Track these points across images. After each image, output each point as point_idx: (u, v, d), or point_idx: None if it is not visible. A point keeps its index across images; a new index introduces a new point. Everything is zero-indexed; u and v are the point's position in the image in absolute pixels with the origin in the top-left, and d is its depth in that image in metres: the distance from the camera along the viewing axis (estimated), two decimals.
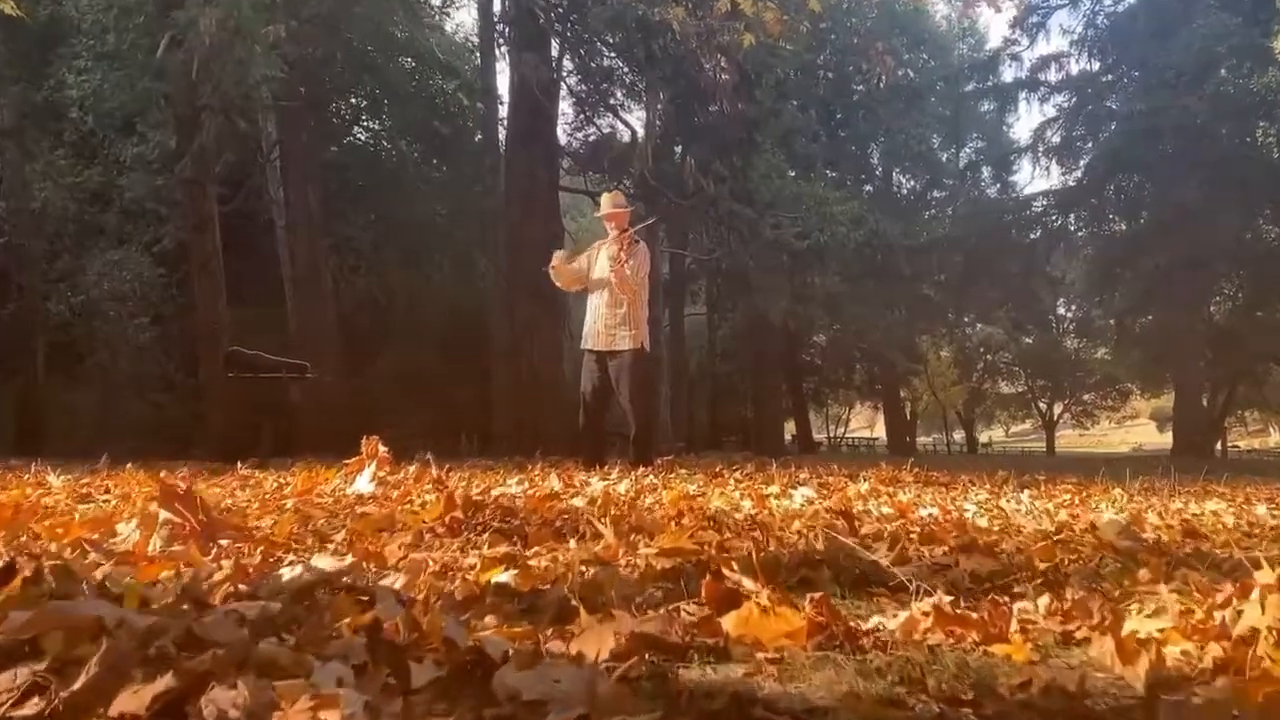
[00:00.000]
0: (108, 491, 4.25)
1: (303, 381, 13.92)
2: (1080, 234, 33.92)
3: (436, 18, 25.57)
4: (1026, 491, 5.71)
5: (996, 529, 3.24)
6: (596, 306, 7.78)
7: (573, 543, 2.21)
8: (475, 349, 20.90)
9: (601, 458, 7.38)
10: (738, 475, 6.20)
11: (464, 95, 23.59)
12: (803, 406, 37.43)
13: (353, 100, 24.81)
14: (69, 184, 19.62)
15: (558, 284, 8.03)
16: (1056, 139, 32.73)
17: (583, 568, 1.89)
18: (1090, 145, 31.88)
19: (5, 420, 18.73)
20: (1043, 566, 2.16)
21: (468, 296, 23.34)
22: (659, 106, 20.61)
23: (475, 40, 23.79)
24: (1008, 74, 33.99)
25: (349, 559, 1.80)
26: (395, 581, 1.67)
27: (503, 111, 19.97)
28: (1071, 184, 32.79)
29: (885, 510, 3.93)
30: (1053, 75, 32.47)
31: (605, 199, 8.10)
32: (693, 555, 2.04)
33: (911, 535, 2.84)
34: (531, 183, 17.55)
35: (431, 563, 1.95)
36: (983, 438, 57.97)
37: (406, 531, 2.42)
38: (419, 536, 2.39)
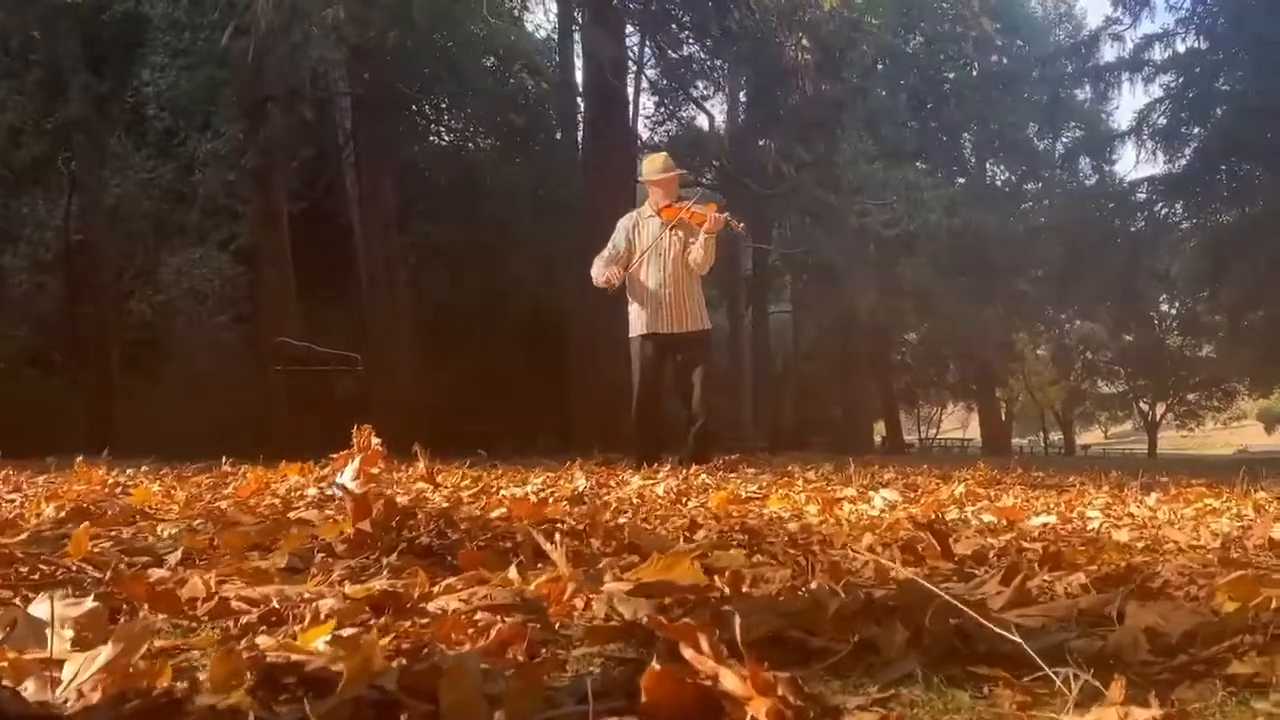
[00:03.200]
0: None
1: (354, 374, 13.46)
2: (1186, 224, 32.22)
3: (516, 12, 25.33)
4: (1153, 495, 4.81)
5: (1141, 545, 2.43)
6: (657, 284, 6.92)
7: (513, 570, 1.46)
8: (554, 347, 20.49)
9: (659, 454, 6.60)
10: (811, 475, 5.39)
11: (543, 90, 23.29)
12: (893, 406, 36.32)
13: (433, 98, 24.52)
14: (144, 181, 19.52)
15: (598, 282, 7.17)
16: (1162, 122, 31.07)
17: (487, 620, 1.15)
18: (1198, 129, 30.19)
19: (79, 418, 18.58)
20: (1248, 616, 1.35)
21: (546, 294, 22.90)
22: (740, 93, 19.90)
23: (554, 33, 23.49)
24: (1108, 54, 32.47)
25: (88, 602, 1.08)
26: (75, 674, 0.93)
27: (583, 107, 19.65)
28: (1177, 170, 31.10)
29: (987, 518, 3.13)
30: (1158, 55, 30.83)
31: (652, 162, 7.30)
32: (687, 595, 1.29)
33: (1029, 555, 2.05)
34: (607, 176, 16.94)
35: (247, 605, 1.24)
36: (1080, 439, 56.11)
37: (285, 551, 1.70)
38: (307, 556, 1.68)
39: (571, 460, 6.08)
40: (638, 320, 7.04)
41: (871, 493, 3.99)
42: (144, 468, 4.83)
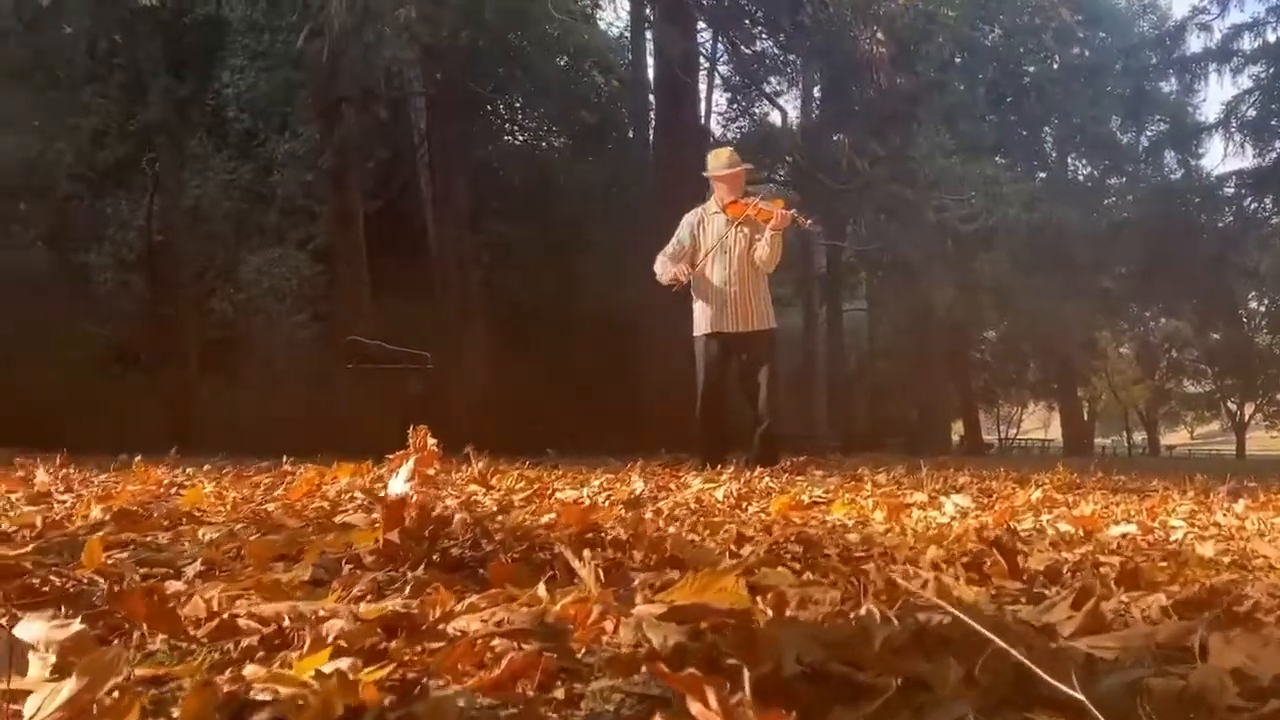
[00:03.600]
0: None
1: (424, 372, 13.51)
2: (1277, 219, 31.31)
3: (588, 10, 25.36)
4: (1241, 502, 4.59)
5: (1228, 561, 2.27)
6: (722, 282, 6.77)
7: (542, 588, 1.37)
8: (626, 346, 20.44)
9: (723, 456, 6.46)
10: (881, 479, 5.23)
11: (615, 88, 23.28)
12: (971, 406, 35.69)
13: (506, 98, 24.62)
14: (224, 181, 19.83)
15: (662, 280, 7.05)
16: (1251, 114, 30.22)
17: (505, 646, 1.06)
18: None
19: (160, 416, 18.89)
20: None
21: (618, 292, 22.84)
22: (814, 89, 19.66)
23: (626, 31, 23.44)
24: (1195, 45, 31.65)
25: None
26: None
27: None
28: (1267, 164, 30.22)
29: (1064, 528, 2.98)
30: (1247, 45, 30.01)
31: (717, 156, 7.16)
32: (725, 619, 1.19)
33: (1105, 572, 1.91)
34: (678, 174, 16.81)
35: (256, 624, 1.16)
36: (1165, 440, 54.79)
37: (309, 562, 1.62)
38: (334, 568, 1.60)
39: (635, 461, 5.99)
40: (702, 319, 6.92)
41: (943, 498, 3.84)
42: (205, 467, 4.80)
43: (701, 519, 2.48)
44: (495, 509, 2.54)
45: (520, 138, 25.55)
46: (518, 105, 24.98)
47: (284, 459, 4.90)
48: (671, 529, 2.17)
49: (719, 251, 6.76)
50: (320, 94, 14.97)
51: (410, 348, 14.83)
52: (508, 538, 1.86)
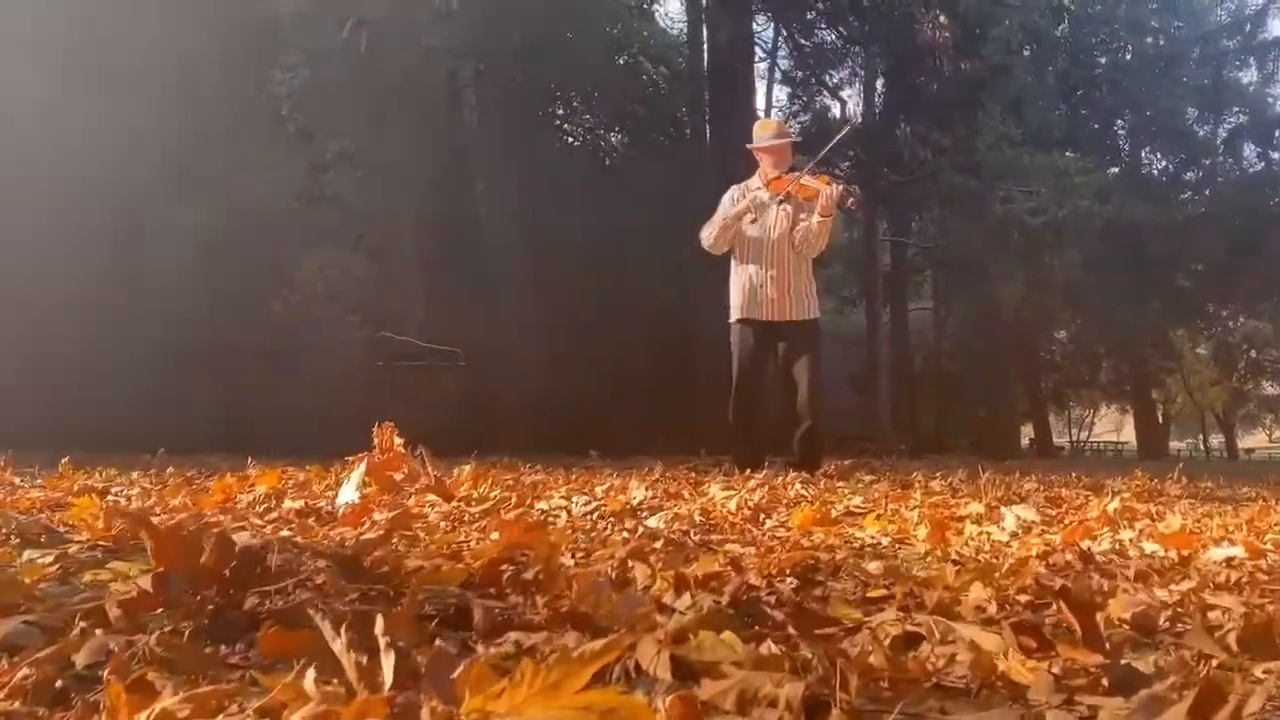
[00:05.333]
0: None
1: (454, 369, 13.18)
2: None
3: (645, 5, 25.08)
4: None
5: None
6: (758, 264, 6.19)
7: (310, 678, 0.85)
8: (681, 345, 20.08)
9: (760, 457, 5.90)
10: (935, 485, 4.65)
11: (672, 84, 22.99)
12: (1041, 408, 34.72)
13: (561, 93, 24.32)
14: (278, 180, 19.68)
15: (710, 245, 6.50)
16: None
17: None
18: None
19: (215, 417, 18.78)
20: None
21: (674, 290, 22.50)
22: (876, 81, 19.04)
23: (685, 28, 23.10)
24: (1276, 29, 30.50)
25: None
26: None
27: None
28: None
29: (1150, 547, 2.41)
30: None
31: (763, 127, 6.62)
32: None
33: (1221, 624, 1.36)
34: (733, 166, 16.34)
35: None
36: (1243, 443, 53.21)
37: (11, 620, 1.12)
38: (54, 627, 1.10)
39: (656, 464, 5.47)
40: (736, 303, 6.33)
41: (1003, 509, 3.27)
42: (168, 470, 4.37)
43: (661, 548, 1.94)
44: (420, 526, 2.04)
45: (575, 134, 25.28)
46: (574, 102, 24.70)
47: (246, 461, 4.43)
48: (611, 563, 1.65)
49: (756, 229, 6.18)
50: (369, 90, 14.69)
51: (461, 347, 14.57)
52: (360, 581, 1.35)
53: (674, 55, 23.83)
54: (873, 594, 1.57)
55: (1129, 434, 46.10)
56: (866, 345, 24.31)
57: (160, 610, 1.20)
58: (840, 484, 4.51)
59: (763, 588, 1.51)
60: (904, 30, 14.84)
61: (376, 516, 2.07)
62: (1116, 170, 30.87)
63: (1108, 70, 28.79)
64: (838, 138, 6.23)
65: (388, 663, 0.85)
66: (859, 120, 21.49)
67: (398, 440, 3.00)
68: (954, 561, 1.98)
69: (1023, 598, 1.53)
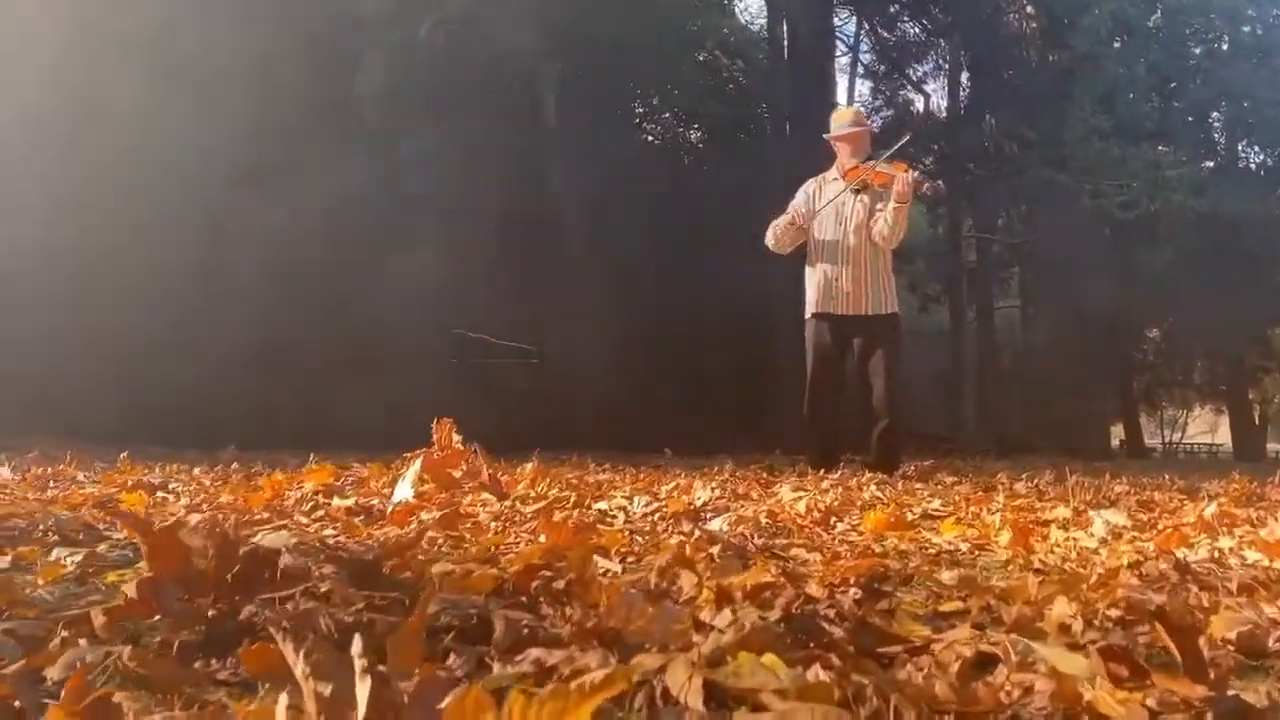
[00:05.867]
0: None
1: (529, 367, 13.17)
2: None
3: (727, 2, 24.95)
4: None
5: None
6: (834, 257, 5.98)
7: (283, 704, 0.74)
8: (764, 344, 19.91)
9: (836, 456, 5.71)
10: (1021, 487, 4.46)
11: (752, 80, 22.82)
12: (1132, 408, 33.88)
13: (640, 91, 24.26)
14: (359, 180, 19.85)
15: (774, 246, 6.38)
16: None
17: None
18: None
19: (296, 415, 18.99)
20: None
21: (754, 288, 22.31)
22: (960, 75, 18.67)
23: (764, 24, 22.97)
24: None
25: None
26: None
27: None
28: None
29: (1252, 556, 2.24)
30: None
31: (840, 116, 6.45)
32: None
33: None
34: (812, 164, 16.12)
35: None
36: None
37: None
38: (29, 636, 1.01)
39: (726, 463, 5.33)
40: (812, 298, 6.14)
41: (1092, 513, 3.09)
42: (234, 465, 4.34)
43: (719, 553, 1.81)
44: (467, 527, 1.93)
45: (655, 131, 25.22)
46: (653, 99, 24.61)
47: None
48: (653, 571, 1.52)
49: (832, 221, 6.00)
50: (446, 88, 14.74)
51: (539, 346, 14.59)
52: (376, 587, 1.25)
53: (754, 51, 23.60)
54: (945, 608, 1.43)
55: (1224, 435, 44.87)
56: (950, 343, 23.91)
57: (154, 619, 1.11)
58: (919, 486, 4.34)
59: (822, 599, 1.37)
60: (989, 21, 14.48)
61: (424, 516, 1.98)
62: (1212, 165, 29.92)
63: (1202, 60, 27.91)
64: (917, 128, 6.06)
65: (362, 690, 0.74)
66: (943, 114, 21.15)
67: (456, 437, 2.90)
68: (1037, 571, 1.83)
69: (1113, 613, 1.38)
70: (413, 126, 19.17)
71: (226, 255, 19.65)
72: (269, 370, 19.10)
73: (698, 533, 1.91)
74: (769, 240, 6.36)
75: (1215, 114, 30.89)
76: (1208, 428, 57.92)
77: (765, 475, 4.78)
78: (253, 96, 18.52)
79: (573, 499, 2.73)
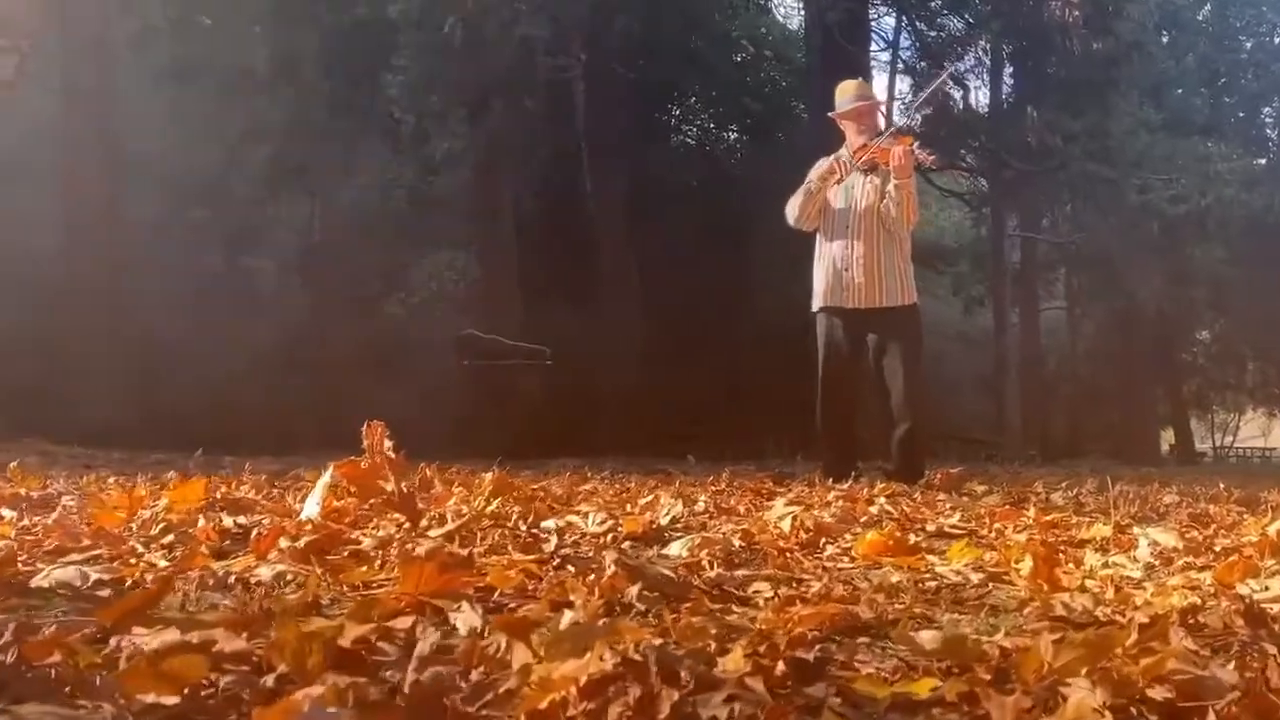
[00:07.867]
0: None
1: (539, 369, 12.90)
2: None
3: (763, 1, 24.69)
4: None
5: None
6: (843, 244, 5.51)
7: None
8: (797, 348, 19.51)
9: (853, 463, 5.25)
10: (1057, 498, 4.00)
11: (790, 80, 22.61)
12: (1182, 412, 33.09)
13: (675, 91, 24.01)
14: (387, 182, 19.73)
15: (794, 221, 5.89)
16: None
17: None
18: None
19: (320, 418, 18.84)
20: None
21: (788, 292, 21.92)
22: (1004, 70, 18.20)
23: (801, 22, 22.68)
24: None
25: None
26: None
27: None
28: None
29: None
30: None
31: (843, 91, 5.99)
32: None
33: None
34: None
35: None
36: None
37: None
38: None
39: (723, 471, 4.91)
40: (819, 290, 5.68)
41: (1136, 530, 2.64)
42: (170, 474, 3.99)
43: (638, 594, 1.38)
44: (342, 558, 1.53)
45: (689, 132, 25.03)
46: (690, 99, 24.37)
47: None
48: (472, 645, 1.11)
49: (840, 203, 5.53)
50: (470, 87, 14.48)
51: (570, 348, 14.36)
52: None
53: (793, 51, 23.35)
54: (915, 689, 1.01)
55: (1276, 439, 43.95)
56: (994, 346, 23.38)
57: None
58: (941, 497, 3.90)
59: (727, 683, 0.96)
60: (1031, 10, 13.98)
61: (283, 544, 1.59)
62: (1264, 161, 29.16)
63: (1253, 54, 27.33)
64: (936, 84, 5.59)
65: None
66: (984, 108, 20.64)
67: (388, 443, 2.50)
68: (1057, 619, 1.41)
69: (1158, 696, 0.96)
70: (443, 128, 18.98)
71: (255, 257, 19.58)
72: (297, 371, 18.97)
73: (612, 568, 1.50)
74: (789, 214, 5.87)
75: (1268, 109, 30.15)
76: (1259, 431, 56.60)
77: (770, 485, 4.35)
78: (280, 98, 18.39)
79: (516, 515, 2.31)
